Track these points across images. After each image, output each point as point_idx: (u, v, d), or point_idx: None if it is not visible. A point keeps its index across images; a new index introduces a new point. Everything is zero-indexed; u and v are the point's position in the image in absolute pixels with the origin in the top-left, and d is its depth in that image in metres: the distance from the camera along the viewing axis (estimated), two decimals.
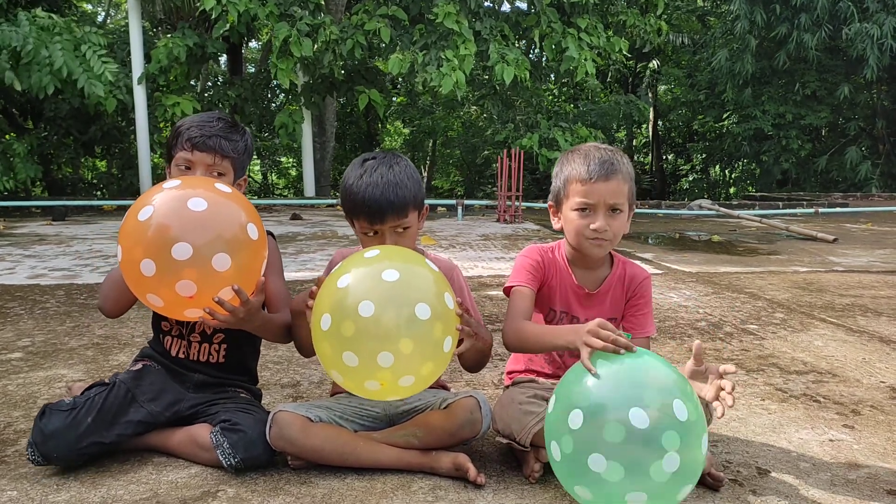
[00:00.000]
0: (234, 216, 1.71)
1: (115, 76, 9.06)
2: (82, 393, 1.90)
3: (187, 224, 1.63)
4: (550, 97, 15.86)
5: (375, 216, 1.79)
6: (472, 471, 1.71)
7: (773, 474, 1.82)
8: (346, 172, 1.89)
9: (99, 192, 13.73)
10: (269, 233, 2.01)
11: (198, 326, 1.97)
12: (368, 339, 1.56)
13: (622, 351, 1.52)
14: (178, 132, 1.94)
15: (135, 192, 11.08)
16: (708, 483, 1.71)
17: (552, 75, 14.67)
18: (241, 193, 1.96)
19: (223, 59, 16.17)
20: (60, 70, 8.57)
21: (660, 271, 5.05)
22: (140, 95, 10.21)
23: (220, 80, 16.96)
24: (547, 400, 1.80)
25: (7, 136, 10.74)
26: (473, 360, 1.88)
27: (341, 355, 1.59)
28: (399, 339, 1.56)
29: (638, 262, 2.07)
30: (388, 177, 1.80)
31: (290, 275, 4.67)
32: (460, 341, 1.70)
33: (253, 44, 18.74)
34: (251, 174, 21.00)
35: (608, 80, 18.77)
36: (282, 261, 2.06)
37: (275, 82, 11.46)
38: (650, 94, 19.65)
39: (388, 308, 1.56)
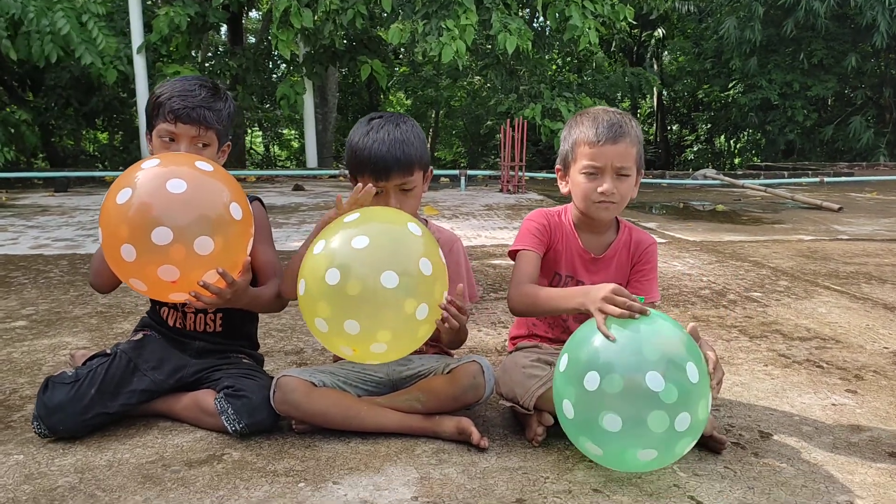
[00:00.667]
0: (215, 196, 1.67)
1: (114, 50, 8.94)
2: (84, 363, 1.91)
3: (167, 207, 1.59)
4: (554, 66, 15.68)
5: (381, 173, 1.78)
6: (475, 434, 1.72)
7: (775, 437, 1.83)
8: (351, 131, 1.87)
9: (100, 165, 13.69)
10: (258, 199, 1.98)
11: None
12: (334, 307, 1.57)
13: (637, 316, 1.52)
14: (158, 102, 1.85)
15: None
16: (710, 446, 1.72)
17: (556, 45, 14.48)
18: (223, 163, 1.91)
19: (224, 29, 16.00)
20: (66, 37, 8.45)
21: (664, 240, 5.04)
22: (140, 65, 10.11)
23: (221, 50, 16.80)
24: (550, 364, 1.81)
25: (8, 108, 10.69)
26: (448, 341, 1.88)
27: (314, 321, 1.62)
28: (362, 307, 1.56)
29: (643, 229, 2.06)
30: (394, 134, 1.79)
31: (292, 245, 4.67)
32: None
33: (254, 13, 18.53)
34: (253, 147, 20.99)
35: (612, 49, 18.54)
36: (271, 229, 2.02)
37: (275, 52, 11.33)
38: (655, 64, 19.43)
39: (352, 276, 1.55)
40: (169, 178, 1.62)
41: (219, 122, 1.88)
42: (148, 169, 1.66)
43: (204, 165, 1.71)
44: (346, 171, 1.94)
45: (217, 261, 1.65)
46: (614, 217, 1.94)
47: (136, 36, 10.08)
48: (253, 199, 1.97)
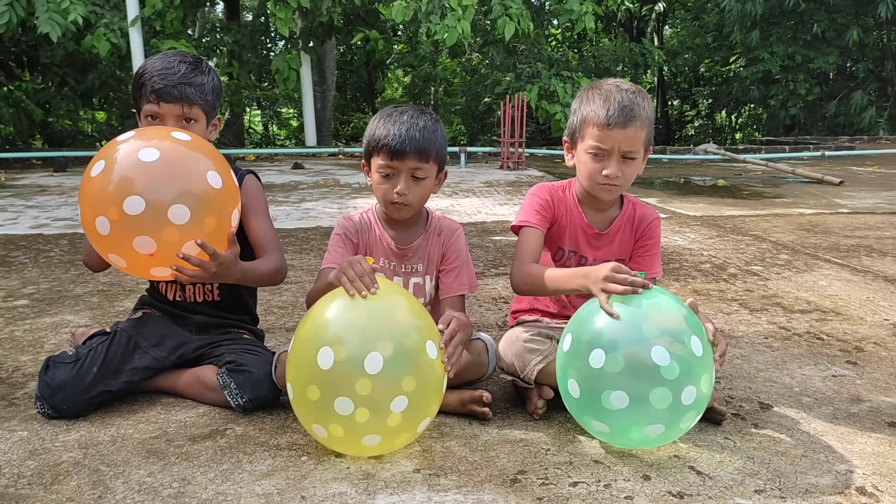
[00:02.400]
0: (191, 164, 1.61)
1: (79, 12, 8.63)
2: (84, 342, 1.91)
3: (139, 176, 1.56)
4: (554, 42, 15.52)
5: (396, 152, 1.77)
6: (486, 394, 1.73)
7: (775, 409, 1.84)
8: (372, 118, 1.87)
9: (99, 144, 13.63)
10: (252, 172, 1.96)
11: None
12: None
13: (640, 291, 1.52)
14: (140, 82, 1.82)
15: None
16: (711, 417, 1.73)
17: (555, 20, 14.33)
18: (209, 138, 1.88)
19: (220, 5, 15.82)
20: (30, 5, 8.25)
21: (665, 215, 5.02)
22: (136, 41, 9.98)
23: (218, 26, 16.65)
24: (551, 338, 1.81)
25: (5, 88, 10.61)
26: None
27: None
28: (365, 436, 1.50)
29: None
30: (416, 119, 1.80)
31: (293, 223, 4.66)
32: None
33: None
34: (252, 126, 20.87)
35: (616, 23, 18.34)
36: (267, 203, 1.98)
37: (273, 30, 11.20)
38: (655, 39, 19.25)
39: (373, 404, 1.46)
40: (141, 147, 1.59)
41: (202, 96, 1.84)
42: (123, 142, 1.64)
43: (181, 135, 1.67)
44: (356, 154, 1.92)
45: (196, 231, 1.60)
46: (618, 195, 1.93)
47: (132, 9, 9.95)
48: (246, 171, 1.96)
